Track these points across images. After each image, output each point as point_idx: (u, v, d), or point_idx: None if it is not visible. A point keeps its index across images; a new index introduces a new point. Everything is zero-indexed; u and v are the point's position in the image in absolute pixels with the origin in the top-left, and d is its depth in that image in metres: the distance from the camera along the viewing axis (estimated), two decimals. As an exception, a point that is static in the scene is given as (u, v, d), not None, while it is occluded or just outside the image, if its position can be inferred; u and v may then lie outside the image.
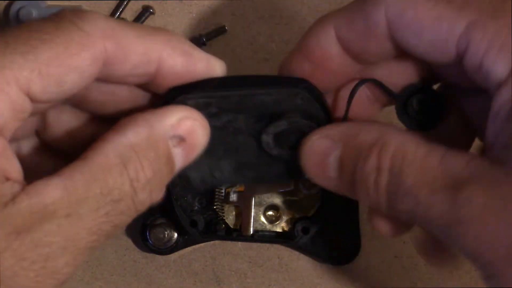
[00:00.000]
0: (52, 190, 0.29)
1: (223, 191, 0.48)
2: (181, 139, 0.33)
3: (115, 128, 0.32)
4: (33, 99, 0.30)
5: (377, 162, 0.32)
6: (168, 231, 0.50)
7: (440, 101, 0.37)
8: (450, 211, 0.30)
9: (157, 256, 0.51)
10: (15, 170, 0.29)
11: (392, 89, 0.37)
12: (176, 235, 0.50)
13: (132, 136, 0.31)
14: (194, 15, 0.52)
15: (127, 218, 0.32)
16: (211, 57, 0.34)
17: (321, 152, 0.35)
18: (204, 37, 0.51)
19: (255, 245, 0.51)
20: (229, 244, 0.51)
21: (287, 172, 0.38)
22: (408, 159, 0.32)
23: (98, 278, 0.51)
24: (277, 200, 0.49)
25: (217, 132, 0.36)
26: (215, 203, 0.48)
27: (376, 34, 0.34)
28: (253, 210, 0.48)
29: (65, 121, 0.36)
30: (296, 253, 0.51)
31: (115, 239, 0.51)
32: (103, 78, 0.33)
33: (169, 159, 0.33)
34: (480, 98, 0.34)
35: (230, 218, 0.49)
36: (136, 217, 0.52)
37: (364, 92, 0.38)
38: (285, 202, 0.49)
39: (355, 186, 0.34)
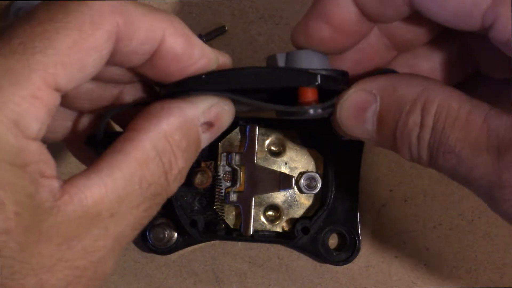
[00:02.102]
0: (94, 190, 0.29)
1: (223, 191, 0.48)
2: (209, 125, 0.34)
3: (148, 116, 0.32)
4: (60, 91, 0.29)
5: (420, 117, 0.32)
6: (168, 231, 0.50)
7: None
8: (493, 173, 0.30)
9: (157, 256, 0.51)
10: (51, 167, 0.29)
11: (405, 43, 0.37)
12: (176, 235, 0.50)
13: (166, 126, 0.31)
14: (194, 15, 0.52)
15: (159, 208, 0.32)
16: (206, 46, 0.34)
17: (358, 105, 0.34)
18: (204, 37, 0.51)
19: (255, 245, 0.51)
20: (229, 244, 0.51)
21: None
22: (452, 116, 0.32)
23: (98, 278, 0.52)
24: (277, 200, 0.49)
25: None
26: (215, 203, 0.48)
27: (394, 1, 0.34)
28: (253, 210, 0.48)
29: (84, 90, 0.36)
30: (296, 253, 0.51)
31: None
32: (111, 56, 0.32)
33: (198, 146, 0.33)
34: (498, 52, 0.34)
35: (230, 218, 0.49)
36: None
37: (381, 39, 0.38)
38: (285, 202, 0.49)
39: (395, 140, 0.34)
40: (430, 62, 0.38)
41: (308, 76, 0.33)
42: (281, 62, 0.36)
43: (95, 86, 0.36)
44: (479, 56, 0.37)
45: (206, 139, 0.34)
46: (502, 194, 0.30)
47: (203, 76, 0.33)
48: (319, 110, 0.34)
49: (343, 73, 0.36)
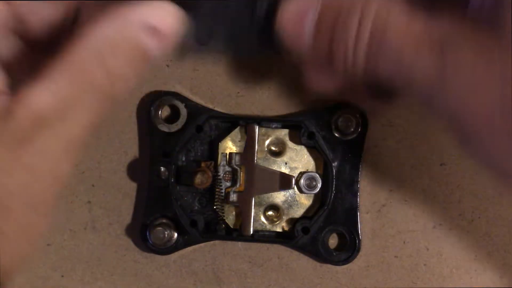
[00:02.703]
0: (40, 96, 0.30)
1: (223, 191, 0.48)
2: (154, 29, 0.33)
3: (89, 22, 0.32)
4: None
5: (358, 21, 0.32)
6: (168, 231, 0.49)
7: None
8: (436, 69, 0.30)
9: (157, 256, 0.51)
10: (2, 81, 0.30)
11: None
12: (176, 235, 0.50)
13: (106, 29, 0.32)
14: (194, 15, 0.52)
15: (107, 109, 0.33)
16: None
17: (299, 8, 0.34)
18: (204, 37, 0.51)
19: (255, 245, 0.51)
20: (229, 244, 0.51)
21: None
22: (392, 20, 0.31)
23: (98, 278, 0.51)
24: (277, 200, 0.49)
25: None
26: (215, 203, 0.48)
27: None
28: (253, 210, 0.48)
29: (38, 13, 0.36)
30: (296, 253, 0.51)
31: (115, 239, 0.51)
32: None
33: (142, 50, 0.33)
34: None
35: (230, 218, 0.49)
36: (136, 217, 0.52)
37: None
38: (285, 202, 0.49)
39: (331, 47, 0.33)
40: None
41: None
42: None
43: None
44: None
45: (154, 45, 0.33)
46: (444, 89, 0.30)
47: None
48: None
49: None
